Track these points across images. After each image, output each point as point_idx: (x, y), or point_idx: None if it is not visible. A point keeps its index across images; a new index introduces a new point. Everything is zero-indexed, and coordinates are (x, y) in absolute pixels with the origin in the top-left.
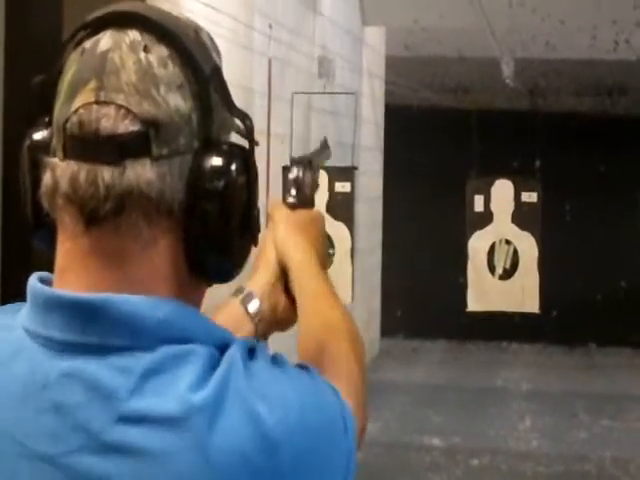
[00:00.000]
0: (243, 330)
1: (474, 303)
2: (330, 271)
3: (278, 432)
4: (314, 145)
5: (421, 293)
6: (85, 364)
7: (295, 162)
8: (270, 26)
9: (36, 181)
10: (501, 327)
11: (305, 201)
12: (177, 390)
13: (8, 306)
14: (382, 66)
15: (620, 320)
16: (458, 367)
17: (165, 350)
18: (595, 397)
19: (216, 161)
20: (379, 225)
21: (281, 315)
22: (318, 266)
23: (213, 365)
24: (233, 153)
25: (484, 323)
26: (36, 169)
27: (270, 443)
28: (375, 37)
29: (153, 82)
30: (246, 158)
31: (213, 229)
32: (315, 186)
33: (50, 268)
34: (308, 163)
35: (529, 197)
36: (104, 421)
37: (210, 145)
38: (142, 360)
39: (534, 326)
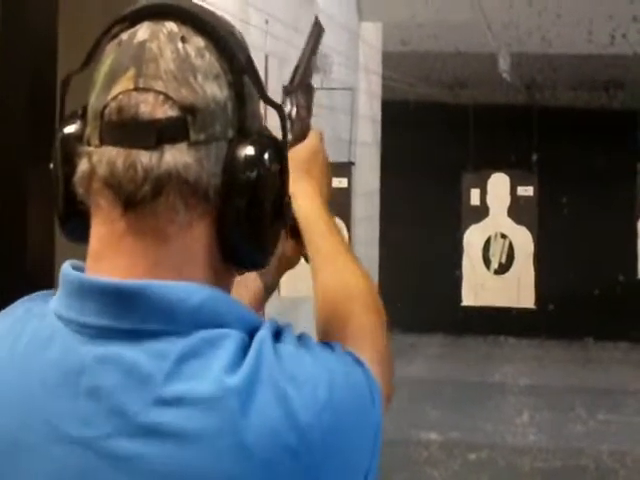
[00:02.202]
0: (252, 284)
1: (469, 298)
2: None
3: (306, 413)
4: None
5: (418, 287)
6: (120, 349)
7: (287, 91)
8: (266, 21)
9: (69, 170)
10: (498, 321)
11: (300, 134)
12: (212, 373)
13: (36, 294)
14: (379, 61)
15: (617, 314)
16: (455, 362)
17: (199, 335)
18: (592, 391)
19: (250, 150)
20: (376, 220)
21: (286, 260)
22: (328, 216)
23: (244, 349)
24: (266, 143)
25: (481, 318)
26: (69, 159)
27: (299, 424)
28: (371, 32)
29: (191, 71)
30: (278, 148)
31: (245, 217)
32: (310, 108)
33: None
34: (300, 87)
35: (525, 191)
36: (140, 404)
37: (244, 134)
38: (177, 344)
39: (531, 321)
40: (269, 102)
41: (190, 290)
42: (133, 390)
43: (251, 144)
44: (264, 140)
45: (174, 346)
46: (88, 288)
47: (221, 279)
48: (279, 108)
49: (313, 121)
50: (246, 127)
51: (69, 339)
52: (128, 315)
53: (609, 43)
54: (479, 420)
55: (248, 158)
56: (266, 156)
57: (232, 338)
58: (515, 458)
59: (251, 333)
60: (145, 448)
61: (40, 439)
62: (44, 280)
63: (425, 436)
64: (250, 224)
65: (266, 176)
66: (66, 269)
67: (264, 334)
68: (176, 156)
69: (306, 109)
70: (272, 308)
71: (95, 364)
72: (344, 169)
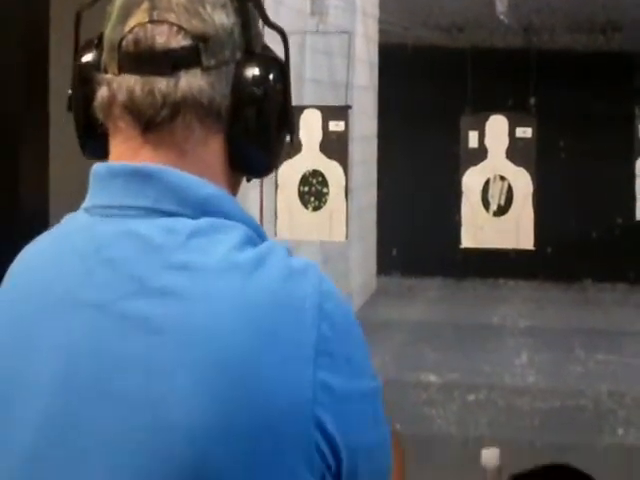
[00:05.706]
0: None
1: (468, 240)
2: (324, 209)
3: (314, 296)
4: (308, 84)
5: (417, 231)
6: (137, 225)
7: None
8: None
9: (88, 96)
10: (497, 264)
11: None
12: (220, 249)
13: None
14: (376, 5)
15: (616, 256)
16: (454, 304)
17: (209, 219)
18: (591, 332)
19: (256, 70)
20: (374, 164)
21: None
22: None
23: (252, 241)
24: (270, 62)
25: (480, 260)
26: (88, 85)
27: (311, 304)
28: None
29: (200, 2)
30: (281, 66)
31: (254, 128)
32: None
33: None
34: None
35: (524, 133)
36: (152, 270)
37: (250, 56)
38: (188, 224)
39: (530, 263)
40: (271, 25)
41: (202, 182)
42: (146, 258)
43: (256, 64)
44: (268, 60)
45: (185, 225)
46: (115, 172)
47: (230, 186)
48: (281, 31)
49: (309, 65)
50: (251, 49)
51: (94, 224)
52: (147, 193)
53: None
54: (478, 362)
55: (255, 76)
56: (270, 75)
57: (239, 228)
58: (514, 399)
59: (257, 233)
60: (155, 306)
61: (59, 306)
62: (38, 228)
63: (424, 378)
64: (258, 132)
65: (271, 90)
66: (95, 166)
67: (280, 246)
68: (191, 81)
69: None
70: None
71: (114, 238)
72: (341, 112)
